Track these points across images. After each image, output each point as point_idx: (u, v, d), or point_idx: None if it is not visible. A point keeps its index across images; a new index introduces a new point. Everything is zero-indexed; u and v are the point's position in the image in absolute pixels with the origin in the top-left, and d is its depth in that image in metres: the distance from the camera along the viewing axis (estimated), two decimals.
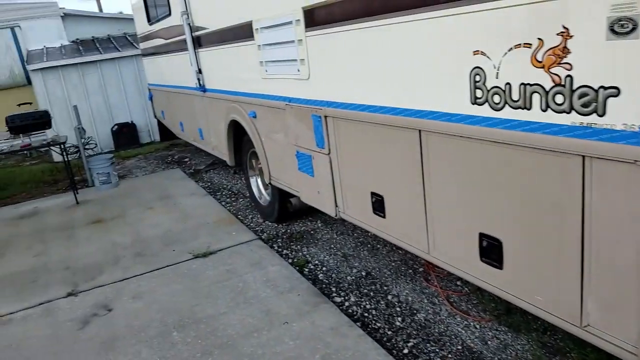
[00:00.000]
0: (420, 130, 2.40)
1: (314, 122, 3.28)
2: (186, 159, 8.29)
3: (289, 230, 4.75)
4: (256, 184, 5.20)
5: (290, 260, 4.12)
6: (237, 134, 5.12)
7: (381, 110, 2.62)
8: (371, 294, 3.54)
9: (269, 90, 3.90)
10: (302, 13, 3.10)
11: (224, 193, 6.19)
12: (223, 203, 5.78)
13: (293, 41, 3.29)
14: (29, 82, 10.75)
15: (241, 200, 5.83)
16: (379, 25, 2.47)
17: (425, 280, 3.64)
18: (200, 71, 5.48)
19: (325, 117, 3.15)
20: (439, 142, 2.31)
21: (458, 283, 3.56)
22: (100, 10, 15.64)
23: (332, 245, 4.34)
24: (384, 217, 2.87)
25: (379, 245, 4.24)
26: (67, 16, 11.67)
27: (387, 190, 2.79)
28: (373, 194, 2.91)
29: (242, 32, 4.11)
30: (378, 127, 2.68)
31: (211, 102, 5.44)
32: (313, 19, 3.02)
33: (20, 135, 6.73)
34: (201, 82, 5.52)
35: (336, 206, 3.36)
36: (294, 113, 3.54)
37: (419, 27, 2.22)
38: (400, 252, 4.05)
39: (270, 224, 4.96)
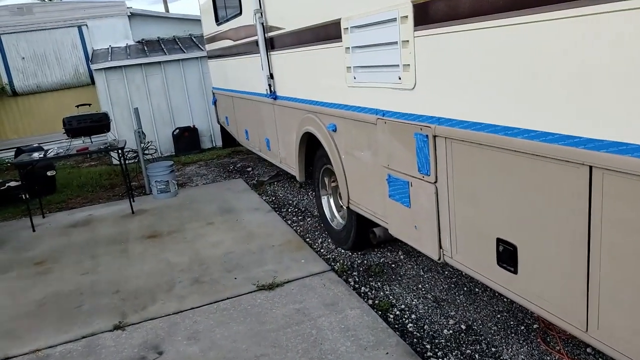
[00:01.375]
0: (591, 167, 1.70)
1: (418, 142, 2.63)
2: (249, 169, 7.84)
3: (365, 262, 4.11)
4: (328, 204, 4.60)
5: (370, 302, 3.47)
6: (310, 147, 4.55)
7: (526, 135, 1.93)
8: (476, 356, 2.83)
9: (356, 101, 3.29)
10: (411, 8, 2.47)
11: (289, 210, 5.64)
12: (289, 222, 5.22)
13: (395, 42, 2.66)
14: (93, 82, 10.72)
15: (309, 219, 5.26)
16: (530, 22, 1.81)
17: (543, 342, 2.88)
18: (271, 76, 4.97)
19: (435, 137, 2.49)
20: (623, 184, 1.61)
21: (588, 350, 2.78)
22: (167, 11, 15.69)
23: (420, 285, 3.65)
24: (514, 272, 2.17)
25: (477, 289, 3.52)
26: (133, 16, 11.66)
27: (524, 240, 2.09)
28: (500, 241, 2.22)
29: (326, 33, 3.53)
30: (519, 156, 1.99)
31: (282, 110, 4.91)
32: (427, 15, 2.38)
33: (82, 136, 6.50)
34: (272, 89, 5.00)
35: (440, 248, 2.69)
36: (389, 129, 2.91)
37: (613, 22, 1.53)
38: (505, 300, 3.32)
39: (343, 251, 4.35)
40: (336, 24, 3.33)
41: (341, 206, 4.45)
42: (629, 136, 1.57)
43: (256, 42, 5.10)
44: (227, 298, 3.64)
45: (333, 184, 4.52)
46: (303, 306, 3.42)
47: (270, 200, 6.08)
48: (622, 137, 1.59)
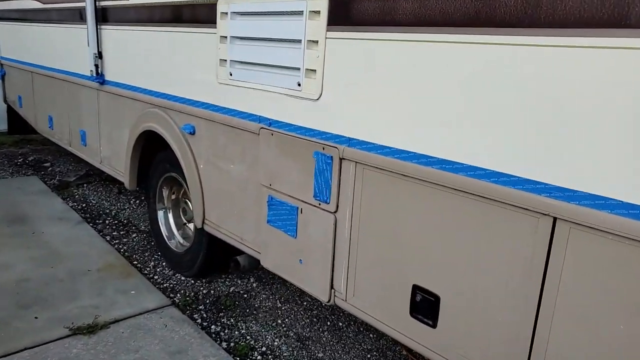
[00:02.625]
0: (555, 219, 1.49)
1: (318, 163, 2.19)
2: (46, 164, 6.34)
3: (213, 292, 3.48)
4: (165, 220, 3.82)
5: (225, 345, 2.88)
6: (148, 149, 3.73)
7: (471, 173, 1.66)
8: None
9: (230, 103, 2.69)
10: (326, 2, 2.04)
11: (107, 222, 4.61)
12: (108, 238, 4.23)
13: (298, 41, 2.19)
14: None
15: (135, 235, 4.35)
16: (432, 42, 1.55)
17: None
18: (100, 55, 3.98)
19: (342, 159, 2.09)
20: (586, 241, 1.44)
21: None
22: None
23: (279, 320, 3.20)
24: (433, 326, 1.89)
25: (340, 323, 3.23)
26: None
27: (450, 290, 1.82)
28: (418, 288, 1.92)
29: (193, 13, 2.86)
30: (459, 196, 1.72)
31: (112, 99, 3.95)
32: (348, 13, 1.97)
33: None
34: (100, 71, 4.01)
35: (332, 288, 2.28)
36: (277, 143, 2.41)
37: None
38: (373, 334, 3.09)
39: (183, 278, 3.63)
40: (210, 5, 2.70)
41: (183, 224, 3.74)
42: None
43: (81, 10, 4.04)
44: (25, 349, 2.63)
45: (173, 196, 3.78)
46: (140, 357, 2.65)
47: (80, 207, 4.92)
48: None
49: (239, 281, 3.64)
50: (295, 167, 2.33)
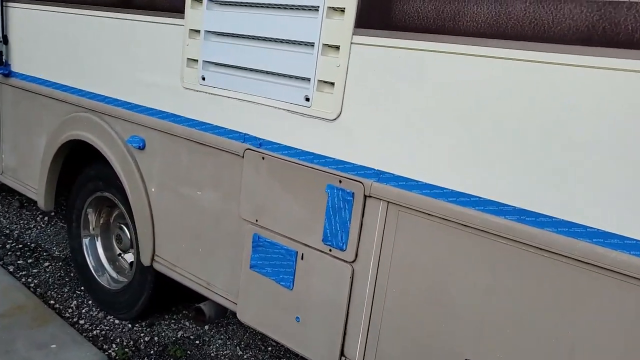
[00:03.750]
0: None
1: (332, 199, 1.73)
2: None
3: (157, 338, 2.85)
4: (93, 250, 3.10)
5: None
6: (71, 160, 3.01)
7: (564, 229, 1.31)
8: None
9: (200, 113, 2.13)
10: None
11: (9, 246, 3.72)
12: (12, 268, 3.39)
13: (310, 44, 1.72)
14: None
15: (47, 264, 3.53)
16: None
17: None
18: (5, 40, 3.16)
19: (367, 197, 1.65)
20: None
21: None
22: None
23: None
24: None
25: None
26: None
27: None
28: None
29: None
30: (543, 257, 1.36)
31: (22, 96, 3.15)
32: (390, 14, 1.54)
33: None
34: (4, 59, 3.18)
35: (342, 356, 1.82)
36: (271, 170, 1.90)
37: None
38: None
39: (118, 321, 2.95)
40: None
41: (118, 255, 3.05)
42: None
43: None
44: None
45: (102, 220, 3.08)
46: None
47: None
48: None
49: (186, 322, 3.04)
50: (296, 202, 1.84)
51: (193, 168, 2.21)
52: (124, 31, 2.40)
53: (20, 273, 3.37)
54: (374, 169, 1.62)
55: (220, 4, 1.99)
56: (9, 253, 3.61)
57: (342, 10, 1.63)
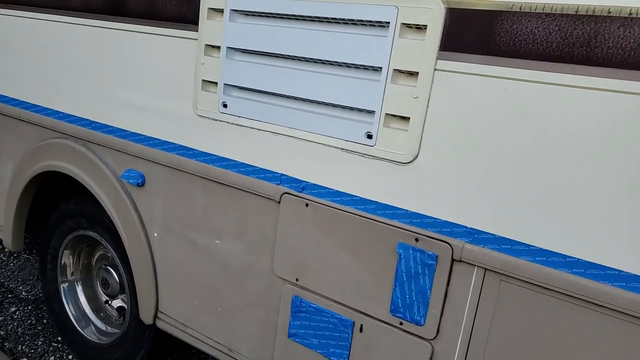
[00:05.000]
0: None
1: (407, 261, 1.39)
2: None
3: None
4: (73, 297, 2.64)
5: None
6: (43, 192, 2.55)
7: None
8: None
9: (220, 147, 1.75)
10: (442, 13, 1.26)
11: None
12: None
13: (376, 69, 1.37)
14: None
15: (14, 309, 3.03)
16: None
17: None
18: None
19: (456, 262, 1.32)
20: None
21: None
22: None
23: None
24: None
25: None
26: None
27: None
28: None
29: (147, 3, 1.86)
30: None
31: None
32: (494, 36, 1.22)
33: None
34: None
35: None
36: (319, 219, 1.55)
37: None
38: None
39: None
40: None
41: (105, 302, 2.61)
42: None
43: None
44: None
45: (82, 262, 2.64)
46: None
47: None
48: None
49: None
50: (353, 261, 1.50)
51: (210, 212, 1.83)
52: (117, 44, 1.98)
53: None
54: (466, 227, 1.30)
55: (249, 14, 1.62)
56: None
57: (422, 28, 1.29)
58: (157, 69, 1.88)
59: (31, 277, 3.40)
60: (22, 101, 2.42)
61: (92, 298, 2.66)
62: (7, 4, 2.37)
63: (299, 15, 1.50)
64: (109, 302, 2.60)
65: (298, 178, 1.58)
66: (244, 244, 1.76)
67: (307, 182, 1.56)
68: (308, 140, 1.55)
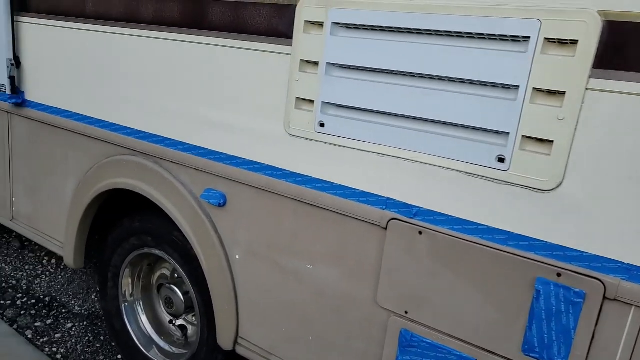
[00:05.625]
0: None
1: (545, 298, 1.27)
2: None
3: None
4: (134, 317, 2.57)
5: None
6: (105, 209, 2.48)
7: None
8: None
9: (315, 169, 1.65)
10: (598, 27, 1.13)
11: (20, 302, 3.13)
12: (30, 334, 2.82)
13: (511, 88, 1.26)
14: None
15: (71, 324, 2.97)
16: None
17: None
18: (17, 62, 2.59)
19: (608, 300, 1.20)
20: None
21: None
22: None
23: None
24: None
25: None
26: None
27: None
28: None
29: (232, 16, 1.76)
30: None
31: (40, 131, 2.58)
32: None
33: None
34: (17, 85, 2.61)
35: None
36: (435, 249, 1.44)
37: None
38: None
39: None
40: (278, 7, 1.63)
41: (171, 322, 2.53)
42: None
43: None
44: None
45: (143, 281, 2.56)
46: None
47: None
48: None
49: None
50: (478, 294, 1.38)
51: (301, 235, 1.73)
52: (197, 58, 1.88)
53: (42, 340, 2.80)
54: (622, 263, 1.18)
55: (354, 28, 1.51)
56: (23, 313, 3.03)
57: (571, 43, 1.17)
58: (242, 84, 1.78)
59: (81, 291, 3.33)
60: (87, 116, 2.34)
61: (153, 317, 2.58)
62: (73, 16, 2.29)
63: (420, 30, 1.38)
64: (173, 321, 2.52)
65: (409, 203, 1.47)
66: (341, 271, 1.66)
67: (421, 207, 1.45)
68: (422, 163, 1.43)
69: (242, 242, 1.90)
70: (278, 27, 1.66)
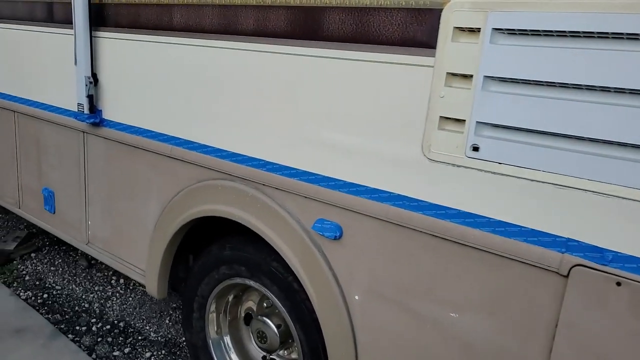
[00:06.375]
0: None
1: None
2: None
3: None
4: (222, 349, 2.37)
5: None
6: (192, 235, 2.30)
7: None
8: None
9: (464, 201, 1.39)
10: None
11: (94, 327, 3.00)
12: None
13: None
14: None
15: (149, 353, 2.81)
16: None
17: None
18: (95, 79, 2.44)
19: None
20: None
21: None
22: None
23: None
24: None
25: None
26: None
27: None
28: None
29: (357, 24, 1.53)
30: None
31: (120, 152, 2.43)
32: None
33: None
34: (95, 105, 2.46)
35: None
36: (632, 301, 1.17)
37: None
38: None
39: None
40: (420, 11, 1.39)
41: (264, 358, 2.32)
42: None
43: (57, 5, 2.50)
44: None
45: (231, 312, 2.36)
46: None
47: (41, 301, 3.24)
48: None
49: None
50: None
51: (443, 278, 1.48)
52: (309, 71, 1.66)
53: None
54: None
55: (520, 34, 1.25)
56: (99, 340, 2.89)
57: None
58: (364, 101, 1.55)
59: (154, 315, 3.18)
60: (173, 136, 2.16)
61: (242, 351, 2.38)
62: (157, 29, 2.12)
63: (619, 34, 1.11)
64: (267, 357, 2.31)
65: (600, 246, 1.20)
66: (498, 324, 1.40)
67: (618, 252, 1.18)
68: (620, 197, 1.16)
69: (363, 281, 1.67)
70: (415, 35, 1.42)
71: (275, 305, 2.07)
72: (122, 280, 3.56)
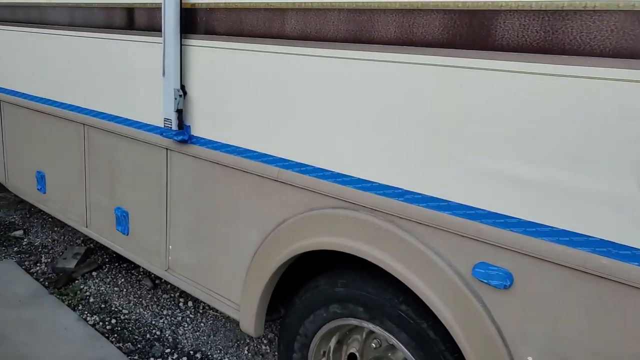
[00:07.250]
0: None
1: None
2: (17, 232, 4.24)
3: None
4: None
5: None
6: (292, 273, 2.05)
7: None
8: None
9: None
10: None
11: (169, 357, 2.79)
12: None
13: None
14: None
15: None
16: None
17: None
18: (183, 91, 2.21)
19: None
20: None
21: None
22: None
23: None
24: None
25: None
26: None
27: None
28: None
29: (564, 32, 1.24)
30: None
31: (212, 173, 2.19)
32: None
33: None
34: (183, 120, 2.24)
35: None
36: None
37: None
38: None
39: None
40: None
41: None
42: None
43: (140, 12, 2.29)
44: None
45: (335, 354, 2.10)
46: None
47: (110, 327, 3.04)
48: None
49: None
50: None
51: None
52: (476, 85, 1.38)
53: None
54: None
55: None
56: None
57: None
58: (562, 126, 1.26)
59: (230, 344, 2.95)
60: (281, 158, 1.91)
61: None
62: (265, 37, 1.87)
63: None
64: None
65: None
66: None
67: None
68: None
69: (539, 340, 1.38)
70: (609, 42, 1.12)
71: (402, 352, 1.80)
72: (190, 303, 3.34)
